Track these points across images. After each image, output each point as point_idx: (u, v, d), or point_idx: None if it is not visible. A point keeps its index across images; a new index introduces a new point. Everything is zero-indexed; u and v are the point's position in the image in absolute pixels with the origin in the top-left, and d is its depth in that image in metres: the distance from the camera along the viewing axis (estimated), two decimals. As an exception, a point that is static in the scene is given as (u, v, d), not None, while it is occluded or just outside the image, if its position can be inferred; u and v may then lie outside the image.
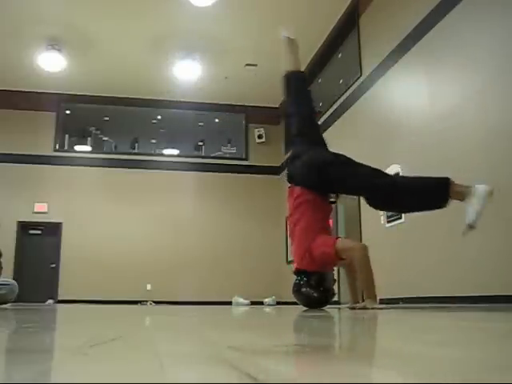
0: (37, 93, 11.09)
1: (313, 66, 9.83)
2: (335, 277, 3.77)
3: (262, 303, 9.53)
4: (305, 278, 3.42)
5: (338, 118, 8.41)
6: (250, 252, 11.17)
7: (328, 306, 3.67)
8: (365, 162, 3.64)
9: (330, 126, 8.64)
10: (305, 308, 3.53)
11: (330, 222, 4.00)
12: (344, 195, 4.11)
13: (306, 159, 3.66)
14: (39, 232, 10.92)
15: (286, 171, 3.95)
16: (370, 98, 7.31)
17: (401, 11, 6.52)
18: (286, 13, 8.29)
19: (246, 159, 11.94)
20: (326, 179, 3.55)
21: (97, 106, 11.67)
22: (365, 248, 3.44)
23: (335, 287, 3.67)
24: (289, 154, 4.02)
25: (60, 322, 2.35)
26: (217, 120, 12.48)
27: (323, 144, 3.92)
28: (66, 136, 11.58)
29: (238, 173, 11.69)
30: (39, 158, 10.99)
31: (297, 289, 3.47)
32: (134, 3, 8.20)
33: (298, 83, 4.05)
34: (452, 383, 0.55)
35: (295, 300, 3.61)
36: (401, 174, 5.71)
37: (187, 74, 10.12)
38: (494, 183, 4.57)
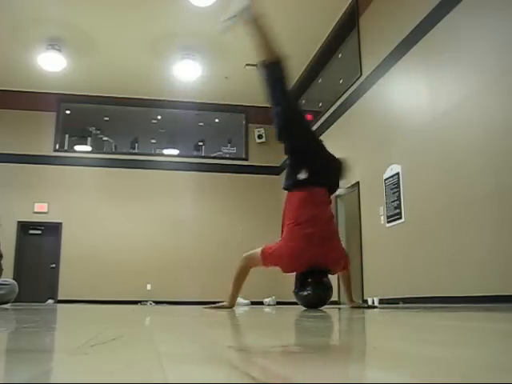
0: (37, 93, 11.09)
1: (313, 66, 9.84)
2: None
3: (262, 303, 9.53)
4: (324, 278, 3.42)
5: (338, 117, 8.41)
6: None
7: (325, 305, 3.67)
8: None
9: (330, 126, 8.65)
10: (304, 308, 3.53)
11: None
12: None
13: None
14: (39, 232, 10.92)
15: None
16: (370, 98, 7.31)
17: (401, 11, 6.52)
18: (285, 13, 8.30)
19: (246, 159, 11.94)
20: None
21: (97, 106, 11.67)
22: None
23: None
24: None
25: (60, 321, 2.35)
26: (217, 120, 12.49)
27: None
28: (66, 136, 11.58)
29: (238, 173, 11.69)
30: (39, 158, 10.99)
31: (319, 290, 3.37)
32: (134, 3, 8.20)
33: (273, 76, 3.48)
34: (451, 383, 0.55)
35: (297, 300, 3.59)
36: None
37: (187, 73, 10.13)
38: (496, 183, 4.59)
